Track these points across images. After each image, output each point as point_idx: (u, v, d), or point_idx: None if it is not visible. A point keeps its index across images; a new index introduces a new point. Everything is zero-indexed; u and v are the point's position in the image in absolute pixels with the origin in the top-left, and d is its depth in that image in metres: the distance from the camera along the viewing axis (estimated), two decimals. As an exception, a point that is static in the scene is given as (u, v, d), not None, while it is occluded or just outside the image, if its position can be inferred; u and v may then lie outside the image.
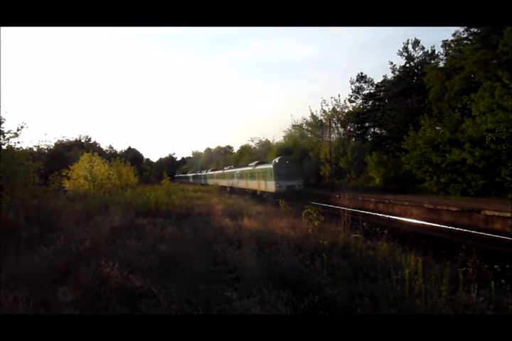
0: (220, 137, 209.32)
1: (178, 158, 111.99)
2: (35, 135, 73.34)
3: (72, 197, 23.27)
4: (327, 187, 36.58)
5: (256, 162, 40.95)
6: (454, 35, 30.21)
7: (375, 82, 42.92)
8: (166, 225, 13.25)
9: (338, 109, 44.27)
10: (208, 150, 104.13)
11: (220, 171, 57.27)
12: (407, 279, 6.22)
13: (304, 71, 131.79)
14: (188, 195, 28.69)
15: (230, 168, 52.21)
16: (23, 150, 17.28)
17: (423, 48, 38.10)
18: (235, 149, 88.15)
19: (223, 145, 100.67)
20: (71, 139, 57.67)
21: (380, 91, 42.34)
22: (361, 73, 43.78)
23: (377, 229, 10.20)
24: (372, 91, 43.17)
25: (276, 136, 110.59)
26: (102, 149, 65.53)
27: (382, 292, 5.97)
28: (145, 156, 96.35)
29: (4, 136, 15.25)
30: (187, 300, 6.02)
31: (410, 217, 21.38)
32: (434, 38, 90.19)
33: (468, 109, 26.65)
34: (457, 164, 25.13)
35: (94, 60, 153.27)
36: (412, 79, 36.96)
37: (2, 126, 15.27)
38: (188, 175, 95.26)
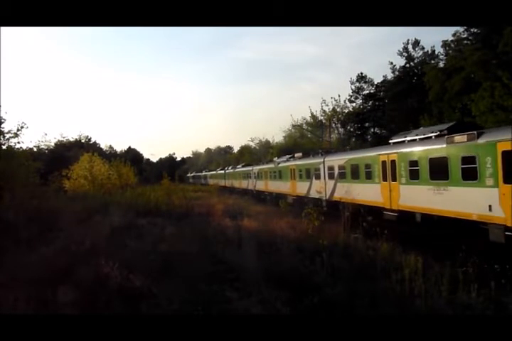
0: (220, 137, 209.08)
1: (178, 158, 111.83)
2: (35, 135, 73.16)
3: (72, 197, 23.27)
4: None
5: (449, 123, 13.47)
6: (454, 35, 30.25)
7: (375, 82, 42.95)
8: (166, 225, 13.27)
9: (338, 109, 44.35)
10: (208, 150, 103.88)
11: (267, 166, 31.04)
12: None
13: (304, 71, 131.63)
14: (188, 195, 28.67)
15: (293, 159, 25.55)
16: (23, 150, 17.32)
17: (423, 48, 38.16)
18: (235, 149, 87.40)
19: (223, 145, 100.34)
20: (71, 139, 57.55)
21: (380, 92, 42.32)
22: (361, 73, 43.75)
23: None
24: (372, 91, 43.15)
25: (276, 136, 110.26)
26: (102, 149, 65.36)
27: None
28: (145, 156, 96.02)
29: (4, 136, 15.28)
30: (187, 300, 6.02)
31: None
32: (434, 38, 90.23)
33: (468, 109, 26.60)
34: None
35: (94, 60, 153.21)
36: (412, 79, 36.95)
37: (2, 126, 15.33)
38: (204, 173, 69.64)
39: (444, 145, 10.70)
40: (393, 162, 12.97)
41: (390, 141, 14.38)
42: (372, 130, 43.38)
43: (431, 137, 11.74)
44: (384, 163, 13.49)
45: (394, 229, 11.30)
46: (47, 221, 12.40)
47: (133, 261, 7.87)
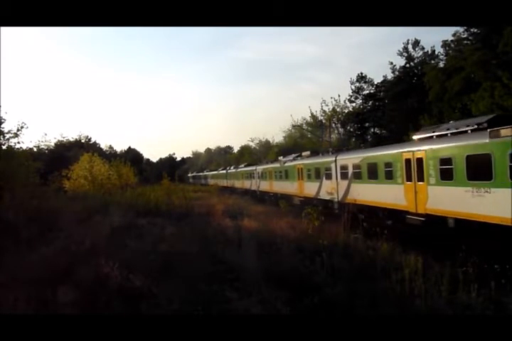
0: (220, 137, 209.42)
1: (178, 158, 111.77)
2: (35, 135, 73.11)
3: (72, 197, 23.27)
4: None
5: None
6: (454, 35, 30.27)
7: (375, 82, 42.96)
8: (166, 225, 13.27)
9: (338, 109, 44.41)
10: (208, 150, 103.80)
11: (272, 165, 29.40)
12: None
13: (304, 71, 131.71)
14: (188, 195, 28.68)
15: (300, 158, 24.04)
16: (23, 150, 17.34)
17: (423, 48, 38.19)
18: (235, 149, 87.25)
19: (223, 145, 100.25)
20: (71, 139, 57.53)
21: (380, 92, 42.33)
22: (361, 73, 43.70)
23: None
24: (372, 91, 43.15)
25: (276, 136, 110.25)
26: (102, 149, 65.29)
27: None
28: (145, 156, 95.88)
29: (4, 136, 15.30)
30: (187, 300, 6.02)
31: None
32: (434, 37, 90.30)
33: (468, 109, 26.61)
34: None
35: (94, 60, 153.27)
36: (412, 79, 36.99)
37: (2, 126, 15.36)
38: (205, 173, 65.09)
39: (487, 141, 9.06)
40: (419, 160, 11.44)
41: (414, 137, 12.79)
42: (372, 130, 43.39)
43: (466, 131, 10.18)
44: (408, 161, 11.94)
45: (394, 228, 11.20)
46: (47, 221, 12.40)
47: (133, 261, 7.87)
